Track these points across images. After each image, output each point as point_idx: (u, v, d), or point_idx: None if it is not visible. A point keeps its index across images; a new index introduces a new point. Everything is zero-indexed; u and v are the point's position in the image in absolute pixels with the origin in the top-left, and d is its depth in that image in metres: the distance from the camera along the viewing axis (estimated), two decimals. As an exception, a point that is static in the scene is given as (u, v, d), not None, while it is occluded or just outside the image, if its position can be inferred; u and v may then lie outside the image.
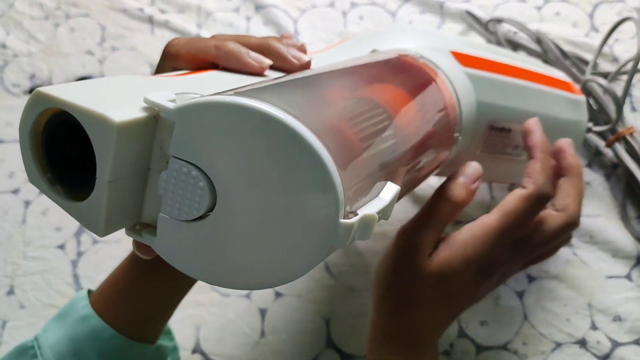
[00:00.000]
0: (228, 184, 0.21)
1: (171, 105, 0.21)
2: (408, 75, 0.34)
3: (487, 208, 0.52)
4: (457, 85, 0.36)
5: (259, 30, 0.63)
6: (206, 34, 0.63)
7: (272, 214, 0.21)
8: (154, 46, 0.62)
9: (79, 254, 0.51)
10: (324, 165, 0.20)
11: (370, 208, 0.22)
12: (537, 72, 0.44)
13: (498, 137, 0.41)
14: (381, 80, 0.32)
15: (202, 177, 0.21)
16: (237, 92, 0.23)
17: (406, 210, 0.53)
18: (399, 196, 0.32)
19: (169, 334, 0.41)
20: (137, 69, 0.61)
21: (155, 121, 0.22)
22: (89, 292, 0.35)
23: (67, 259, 0.51)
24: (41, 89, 0.22)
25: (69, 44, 0.63)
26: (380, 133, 0.27)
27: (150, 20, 0.64)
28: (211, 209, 0.22)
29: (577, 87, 0.48)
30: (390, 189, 0.24)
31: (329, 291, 0.48)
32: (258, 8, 0.65)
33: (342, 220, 0.20)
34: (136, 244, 0.25)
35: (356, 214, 0.21)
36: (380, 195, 0.24)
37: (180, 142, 0.21)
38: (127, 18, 0.64)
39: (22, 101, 0.59)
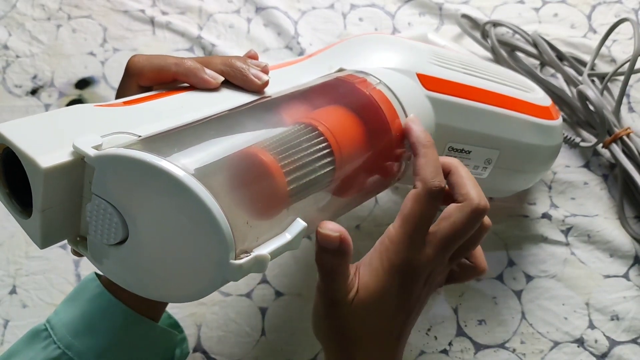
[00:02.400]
0: (137, 222, 0.25)
1: (92, 153, 0.25)
2: (355, 104, 0.35)
3: (485, 208, 0.53)
4: (411, 112, 0.37)
5: (260, 31, 0.64)
6: (207, 35, 0.63)
7: (175, 249, 0.25)
8: (155, 47, 0.63)
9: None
10: (216, 223, 0.23)
11: (269, 246, 0.26)
12: (507, 96, 0.43)
13: (457, 157, 0.42)
14: (325, 110, 0.34)
15: (115, 213, 0.25)
16: (150, 139, 0.27)
17: (405, 210, 0.53)
18: (338, 214, 0.36)
19: (177, 326, 0.43)
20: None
21: (84, 162, 0.25)
22: (97, 275, 0.36)
23: (69, 258, 0.52)
24: None
25: (71, 45, 0.63)
26: (314, 163, 0.30)
27: (152, 21, 0.64)
28: (125, 239, 0.25)
29: (555, 110, 0.47)
30: (297, 227, 0.27)
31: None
32: (259, 9, 0.65)
33: (232, 262, 0.24)
34: (74, 250, 0.29)
35: (249, 254, 0.24)
36: (285, 232, 0.27)
37: (98, 183, 0.25)
38: (128, 19, 0.65)
39: (25, 102, 0.60)
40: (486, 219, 0.34)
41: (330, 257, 0.31)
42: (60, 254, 0.52)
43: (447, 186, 0.33)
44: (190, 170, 0.24)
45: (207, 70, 0.34)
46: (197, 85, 0.34)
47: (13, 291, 0.50)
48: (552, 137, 0.46)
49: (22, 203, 0.28)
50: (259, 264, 0.25)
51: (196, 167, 0.24)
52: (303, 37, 0.63)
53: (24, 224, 0.28)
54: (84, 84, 0.61)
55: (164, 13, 0.65)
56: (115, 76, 0.61)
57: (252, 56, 0.37)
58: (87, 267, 0.51)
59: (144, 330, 0.36)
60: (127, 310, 0.34)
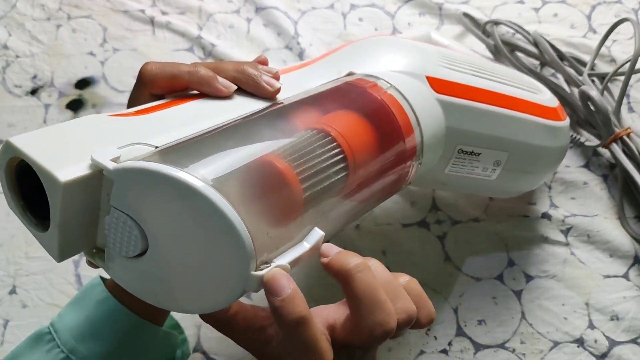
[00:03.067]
0: (157, 235, 0.25)
1: (111, 166, 0.25)
2: (366, 109, 0.35)
3: (484, 207, 0.53)
4: (422, 117, 0.37)
5: (260, 31, 0.64)
6: (207, 35, 0.63)
7: (194, 260, 0.24)
8: (155, 47, 0.63)
9: (82, 254, 0.52)
10: (236, 233, 0.23)
11: (288, 257, 0.26)
12: (515, 98, 0.44)
13: (467, 159, 0.42)
14: (337, 115, 0.34)
15: (135, 226, 0.25)
16: (167, 150, 0.27)
17: (404, 210, 0.53)
18: (350, 220, 0.35)
19: (178, 327, 0.43)
20: (138, 70, 0.62)
21: (102, 174, 0.25)
22: (102, 279, 0.37)
23: (69, 258, 0.52)
24: (11, 139, 0.26)
25: (71, 45, 0.63)
26: (328, 169, 0.30)
27: (152, 21, 0.64)
28: (145, 251, 0.25)
29: (562, 111, 0.47)
30: (314, 236, 0.27)
31: (328, 290, 0.49)
32: (258, 9, 0.65)
33: (252, 273, 0.24)
34: (89, 261, 0.29)
35: (269, 265, 0.24)
36: (304, 241, 0.27)
37: (118, 196, 0.25)
38: (128, 19, 0.65)
39: (25, 102, 0.60)
40: (426, 316, 0.29)
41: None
42: (60, 254, 0.52)
43: (392, 329, 0.27)
44: (209, 180, 0.23)
45: (220, 79, 0.34)
46: (211, 94, 0.34)
47: (13, 291, 0.51)
48: (559, 138, 0.46)
49: (36, 215, 0.28)
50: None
51: (214, 177, 0.24)
52: (303, 37, 0.63)
53: (40, 237, 0.28)
54: (84, 84, 0.61)
55: (163, 13, 0.65)
56: (115, 76, 0.61)
57: (262, 61, 0.37)
58: (87, 268, 0.51)
59: (148, 335, 0.36)
60: (131, 316, 0.34)
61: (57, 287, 0.50)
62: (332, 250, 0.27)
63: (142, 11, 0.65)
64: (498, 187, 0.46)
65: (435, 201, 0.53)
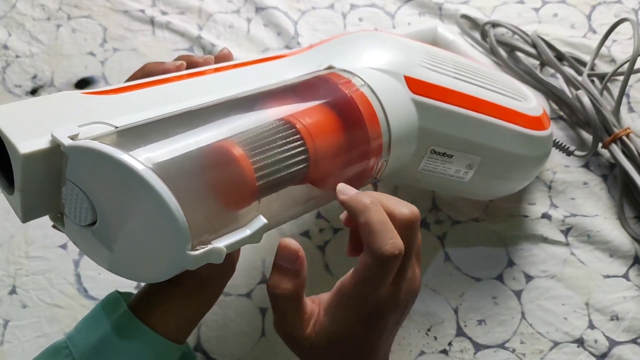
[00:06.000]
0: (104, 209, 0.27)
1: (66, 143, 0.27)
2: (335, 105, 0.36)
3: (484, 208, 0.53)
4: (392, 116, 0.37)
5: (260, 31, 0.64)
6: (207, 35, 0.63)
7: (136, 236, 0.27)
8: (155, 47, 0.63)
9: (81, 254, 0.52)
10: (172, 216, 0.25)
11: (227, 240, 0.27)
12: (494, 104, 0.43)
13: (440, 160, 0.42)
14: (304, 108, 0.35)
15: (86, 199, 0.27)
16: (123, 132, 0.29)
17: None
18: (309, 209, 0.37)
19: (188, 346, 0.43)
20: (138, 70, 0.62)
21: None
22: (120, 294, 0.36)
23: (69, 258, 0.52)
24: None
25: (71, 45, 0.63)
26: (287, 160, 0.31)
27: (152, 21, 0.64)
28: (95, 222, 0.28)
29: (546, 119, 0.47)
30: (257, 223, 0.29)
31: (328, 290, 0.49)
32: (258, 10, 0.65)
33: (188, 252, 0.25)
34: (54, 225, 0.31)
35: (206, 246, 0.26)
36: (246, 227, 0.29)
37: (71, 170, 0.27)
38: (128, 19, 0.65)
39: (24, 102, 0.60)
40: (415, 211, 0.32)
41: (284, 301, 0.32)
42: (60, 254, 0.52)
43: (400, 249, 0.30)
44: (150, 164, 0.25)
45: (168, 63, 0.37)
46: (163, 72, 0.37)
47: (13, 291, 0.50)
48: (538, 148, 0.46)
49: (9, 179, 0.30)
50: (214, 256, 0.26)
51: (159, 161, 0.26)
52: (303, 37, 0.63)
53: (9, 199, 0.30)
54: (84, 83, 0.61)
55: (163, 13, 0.65)
56: (116, 76, 0.61)
57: (224, 55, 0.40)
58: (87, 268, 0.51)
59: (168, 355, 0.36)
60: (154, 336, 0.34)
61: (57, 287, 0.50)
62: (349, 191, 0.32)
63: (142, 11, 0.65)
64: (472, 189, 0.46)
65: (436, 201, 0.53)
